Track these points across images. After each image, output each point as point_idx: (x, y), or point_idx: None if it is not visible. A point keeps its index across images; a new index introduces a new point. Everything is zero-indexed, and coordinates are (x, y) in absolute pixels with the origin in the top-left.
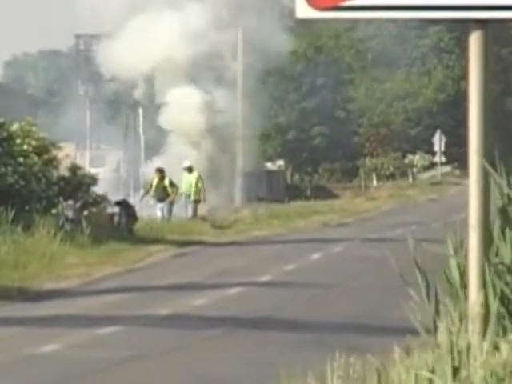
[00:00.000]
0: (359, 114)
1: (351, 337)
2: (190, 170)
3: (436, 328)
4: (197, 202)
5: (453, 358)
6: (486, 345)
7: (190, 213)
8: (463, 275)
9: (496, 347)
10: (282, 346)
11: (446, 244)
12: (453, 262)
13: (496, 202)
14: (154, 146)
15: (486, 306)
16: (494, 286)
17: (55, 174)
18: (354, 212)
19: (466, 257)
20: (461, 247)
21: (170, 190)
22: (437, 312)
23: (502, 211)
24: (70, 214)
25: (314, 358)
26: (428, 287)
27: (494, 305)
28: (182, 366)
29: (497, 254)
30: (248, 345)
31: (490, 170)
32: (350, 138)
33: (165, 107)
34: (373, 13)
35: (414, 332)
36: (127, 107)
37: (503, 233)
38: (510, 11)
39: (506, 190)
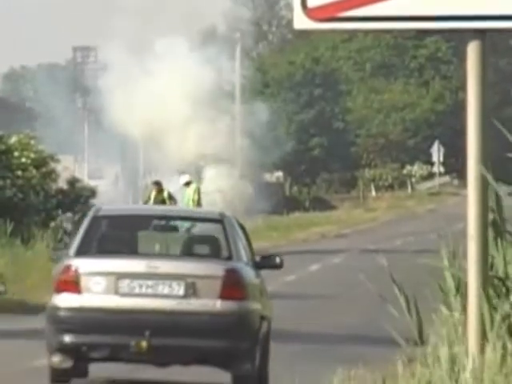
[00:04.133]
0: (357, 124)
1: (351, 348)
2: (187, 184)
3: (422, 340)
4: None
5: (451, 370)
6: (483, 356)
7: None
8: (459, 286)
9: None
10: (282, 358)
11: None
12: (447, 273)
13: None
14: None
15: (483, 316)
16: (489, 297)
17: (54, 186)
18: (352, 223)
19: (460, 267)
20: (453, 257)
21: (168, 202)
22: (420, 324)
23: (493, 222)
24: (68, 226)
25: (314, 370)
26: (408, 301)
27: (495, 315)
28: (181, 378)
29: (491, 267)
30: None
31: (490, 179)
32: (348, 149)
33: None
34: (370, 24)
35: (413, 343)
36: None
37: (496, 244)
38: (507, 21)
39: (492, 202)
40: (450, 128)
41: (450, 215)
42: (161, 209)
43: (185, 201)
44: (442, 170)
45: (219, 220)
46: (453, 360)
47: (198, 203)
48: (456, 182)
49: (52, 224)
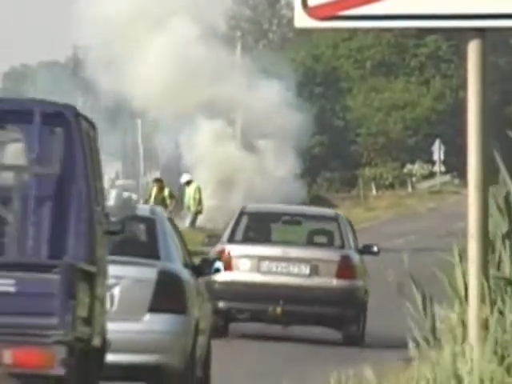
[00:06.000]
0: (357, 123)
1: (351, 348)
2: (188, 183)
3: (434, 340)
4: (197, 213)
5: (455, 372)
6: (484, 356)
7: (187, 223)
8: (468, 284)
9: (495, 358)
10: (283, 357)
11: (448, 253)
12: (458, 271)
13: (494, 212)
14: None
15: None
16: (491, 297)
17: None
18: (353, 222)
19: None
20: (464, 256)
21: (168, 201)
22: (433, 324)
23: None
24: None
25: (315, 369)
26: (425, 300)
27: (493, 315)
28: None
29: (499, 266)
30: (248, 355)
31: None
32: (348, 148)
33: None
34: (371, 22)
35: (413, 343)
36: (126, 117)
37: (504, 244)
38: (507, 20)
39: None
40: (451, 127)
41: (451, 214)
42: (289, 207)
43: (185, 199)
44: (442, 168)
45: (335, 218)
46: (453, 359)
47: (200, 202)
48: (457, 180)
49: None
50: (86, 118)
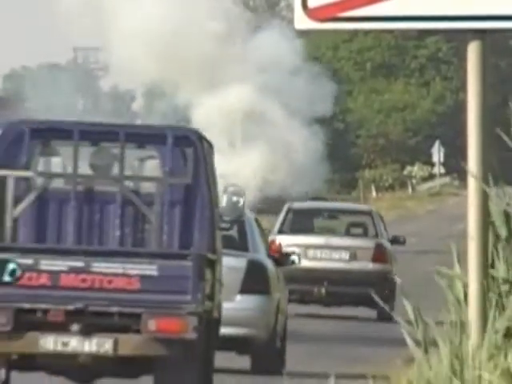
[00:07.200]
0: (358, 124)
1: (351, 348)
2: None
3: (426, 344)
4: None
5: (453, 371)
6: (482, 356)
7: None
8: (466, 287)
9: (493, 359)
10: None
11: (447, 254)
12: (455, 272)
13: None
14: None
15: (486, 317)
16: (490, 298)
17: None
18: None
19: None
20: (464, 259)
21: None
22: (425, 333)
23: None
24: None
25: (315, 369)
26: (415, 310)
27: (491, 316)
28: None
29: (492, 267)
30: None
31: (486, 188)
32: (348, 150)
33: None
34: (372, 24)
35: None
36: (127, 119)
37: (496, 246)
38: (508, 21)
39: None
40: (451, 128)
41: (451, 216)
42: (328, 204)
43: None
44: (442, 170)
45: (368, 212)
46: (453, 360)
47: None
48: (457, 182)
49: None
50: (206, 140)
